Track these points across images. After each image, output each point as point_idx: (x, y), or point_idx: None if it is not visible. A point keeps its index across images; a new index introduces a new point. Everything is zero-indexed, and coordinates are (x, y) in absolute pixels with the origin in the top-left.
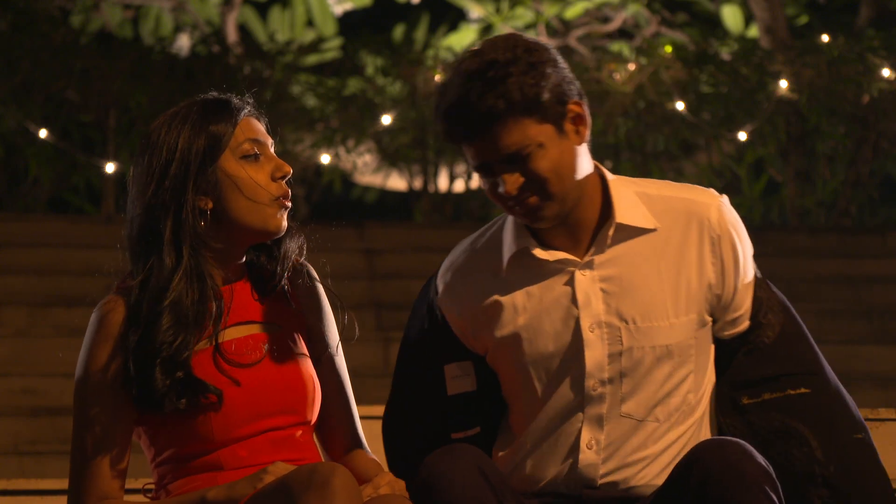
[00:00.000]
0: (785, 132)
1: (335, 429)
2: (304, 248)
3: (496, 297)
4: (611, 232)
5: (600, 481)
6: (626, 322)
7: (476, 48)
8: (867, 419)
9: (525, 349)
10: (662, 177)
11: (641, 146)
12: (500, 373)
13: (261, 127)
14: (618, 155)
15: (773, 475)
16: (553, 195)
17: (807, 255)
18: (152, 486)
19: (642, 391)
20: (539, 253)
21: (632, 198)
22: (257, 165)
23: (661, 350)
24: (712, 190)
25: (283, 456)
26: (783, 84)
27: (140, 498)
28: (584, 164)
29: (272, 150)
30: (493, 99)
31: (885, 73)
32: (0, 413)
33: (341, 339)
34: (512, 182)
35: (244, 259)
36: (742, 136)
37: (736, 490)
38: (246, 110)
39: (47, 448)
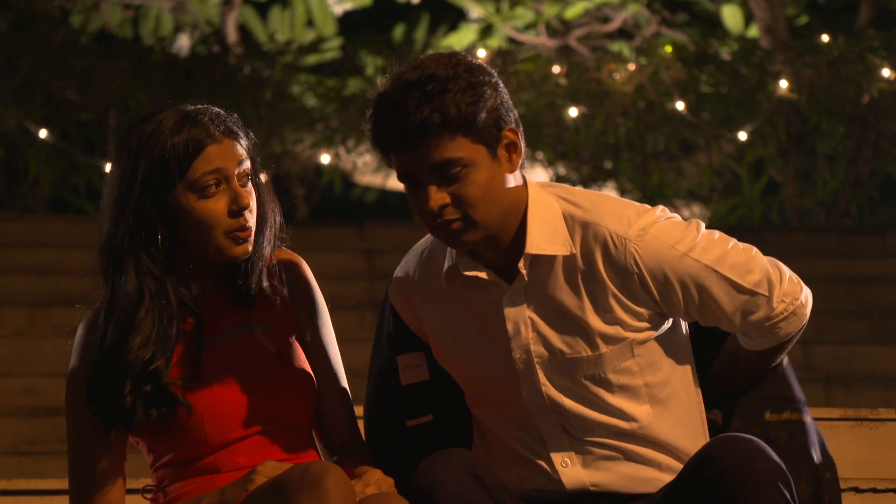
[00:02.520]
0: (785, 132)
1: (330, 424)
2: (272, 251)
3: (435, 307)
4: (521, 263)
5: (592, 488)
6: (554, 353)
7: (416, 62)
8: (867, 419)
9: (462, 368)
10: (662, 177)
11: (641, 146)
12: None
13: (232, 150)
14: (618, 155)
15: (787, 472)
16: (476, 221)
17: (807, 255)
18: (152, 488)
19: (592, 413)
20: (467, 272)
21: (552, 220)
22: (214, 199)
23: (594, 377)
24: (640, 212)
25: (280, 455)
26: (783, 84)
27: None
28: (513, 191)
29: (240, 170)
30: (430, 111)
31: (885, 73)
32: (0, 413)
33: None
34: (437, 198)
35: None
36: (742, 136)
37: (749, 487)
38: (216, 136)
39: (47, 448)
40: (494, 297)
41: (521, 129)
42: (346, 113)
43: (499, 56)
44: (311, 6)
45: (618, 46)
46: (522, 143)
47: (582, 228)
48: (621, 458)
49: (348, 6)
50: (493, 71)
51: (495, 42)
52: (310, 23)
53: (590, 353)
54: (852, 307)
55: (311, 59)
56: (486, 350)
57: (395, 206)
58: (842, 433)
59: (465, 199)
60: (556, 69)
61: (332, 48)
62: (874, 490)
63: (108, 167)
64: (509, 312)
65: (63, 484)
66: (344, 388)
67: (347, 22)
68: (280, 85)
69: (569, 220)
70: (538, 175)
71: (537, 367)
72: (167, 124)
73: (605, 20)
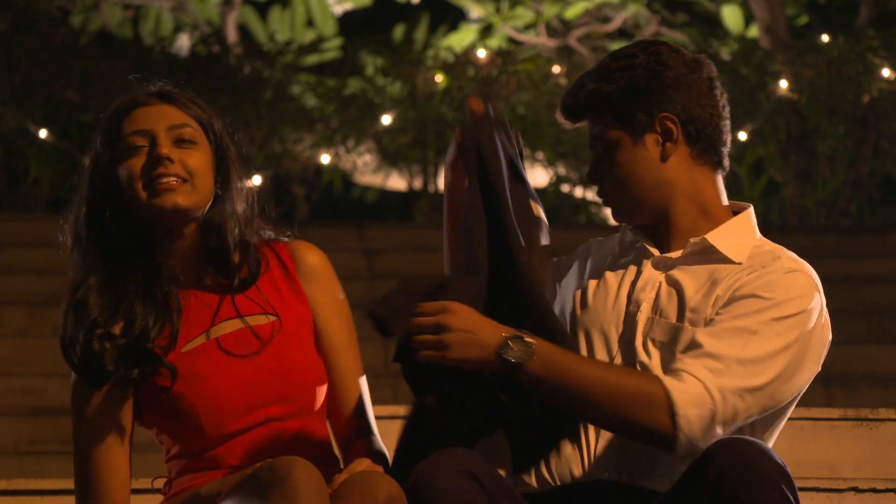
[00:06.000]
0: (785, 132)
1: (341, 417)
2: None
3: (587, 264)
4: (694, 240)
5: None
6: (659, 315)
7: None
8: (867, 419)
9: (578, 305)
10: None
11: None
12: None
13: (162, 112)
14: None
15: (789, 474)
16: (614, 198)
17: (807, 255)
18: (164, 480)
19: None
20: (635, 234)
21: (742, 241)
22: (136, 157)
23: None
24: (806, 282)
25: (283, 449)
26: (783, 84)
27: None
28: (666, 177)
29: (173, 132)
30: (590, 85)
31: (885, 73)
32: (0, 413)
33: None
34: (591, 165)
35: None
36: (742, 136)
37: (752, 489)
38: (144, 101)
39: (47, 448)
40: (641, 260)
41: (697, 124)
42: (346, 113)
43: (499, 56)
44: (311, 6)
45: (618, 46)
46: (681, 133)
47: (763, 253)
48: None
49: (348, 6)
50: (697, 65)
51: (495, 42)
52: (310, 23)
53: (675, 322)
54: (852, 307)
55: (311, 59)
56: (600, 299)
57: (395, 206)
58: (842, 433)
59: (604, 176)
60: (556, 69)
61: (332, 48)
62: (874, 490)
63: None
64: (648, 272)
65: (63, 484)
66: (358, 382)
67: (347, 22)
68: (280, 85)
69: (755, 248)
70: (538, 175)
71: (639, 320)
72: (111, 109)
73: (605, 20)
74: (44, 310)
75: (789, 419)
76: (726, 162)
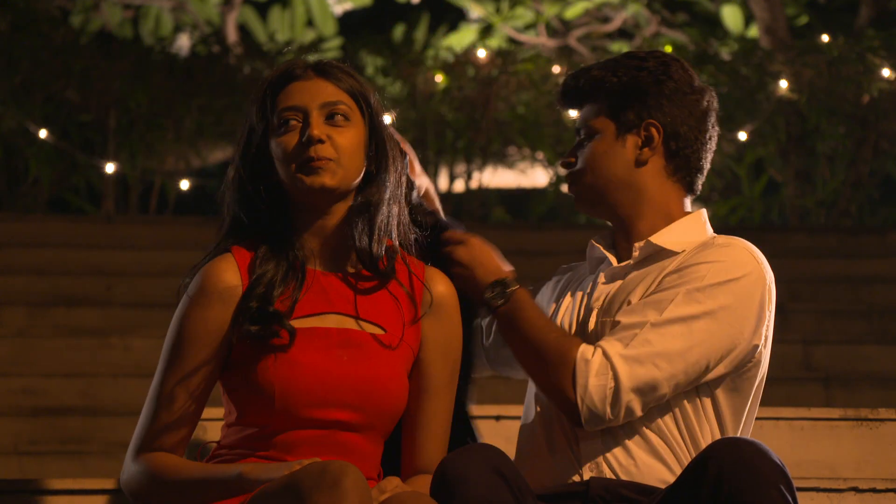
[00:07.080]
0: (785, 132)
1: (412, 450)
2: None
3: (559, 281)
4: (639, 244)
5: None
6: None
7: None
8: (867, 419)
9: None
10: None
11: None
12: None
13: (317, 88)
14: None
15: (788, 474)
16: (580, 182)
17: (807, 255)
18: (215, 444)
19: None
20: (596, 243)
21: (691, 239)
22: (290, 134)
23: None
24: (737, 255)
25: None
26: (783, 84)
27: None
28: (635, 179)
29: (326, 108)
30: (595, 72)
31: (885, 73)
32: (0, 413)
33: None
34: (571, 149)
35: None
36: (742, 136)
37: (751, 488)
38: (301, 76)
39: (47, 448)
40: (600, 272)
41: (679, 141)
42: None
43: (499, 56)
44: (311, 6)
45: (618, 46)
46: (661, 144)
47: (705, 241)
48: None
49: (348, 6)
50: (696, 88)
51: (495, 42)
52: (310, 23)
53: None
54: (852, 307)
55: (311, 60)
56: (567, 318)
57: None
58: (842, 433)
59: (580, 159)
60: (556, 69)
61: (332, 48)
62: (874, 490)
63: (108, 167)
64: (603, 286)
65: (63, 484)
66: (440, 425)
67: (347, 22)
68: None
69: (709, 241)
70: (538, 175)
71: (590, 324)
72: (265, 81)
73: (605, 20)
74: (44, 310)
75: (789, 419)
76: (698, 188)
